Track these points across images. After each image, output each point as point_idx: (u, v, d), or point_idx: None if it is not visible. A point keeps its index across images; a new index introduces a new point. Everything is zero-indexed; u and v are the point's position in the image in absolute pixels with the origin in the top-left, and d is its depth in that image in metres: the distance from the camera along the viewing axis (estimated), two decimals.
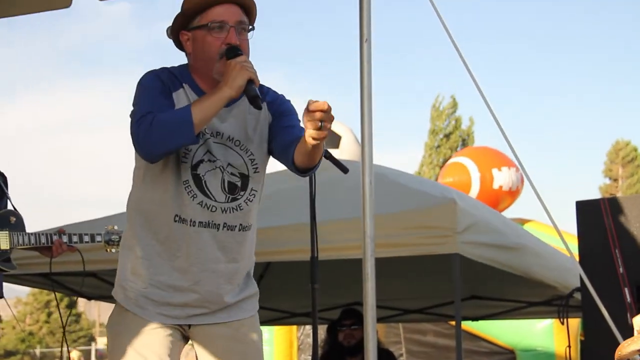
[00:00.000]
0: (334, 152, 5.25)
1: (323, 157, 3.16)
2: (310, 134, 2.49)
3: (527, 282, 5.77)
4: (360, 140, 3.28)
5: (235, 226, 2.78)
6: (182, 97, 2.72)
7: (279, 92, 2.92)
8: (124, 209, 2.92)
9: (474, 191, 11.38)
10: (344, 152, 9.02)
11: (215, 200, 2.74)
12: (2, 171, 4.05)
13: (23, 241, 3.91)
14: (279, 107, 2.86)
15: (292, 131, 2.77)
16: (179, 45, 2.81)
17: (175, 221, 2.73)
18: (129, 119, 2.65)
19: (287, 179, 6.20)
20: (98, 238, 4.16)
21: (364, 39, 3.35)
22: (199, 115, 2.56)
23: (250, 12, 2.77)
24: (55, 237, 3.99)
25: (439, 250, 4.76)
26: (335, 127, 9.50)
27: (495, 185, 11.45)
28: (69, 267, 4.95)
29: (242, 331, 2.88)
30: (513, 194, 11.70)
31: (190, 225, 2.73)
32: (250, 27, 2.77)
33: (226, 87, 2.57)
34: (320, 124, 2.45)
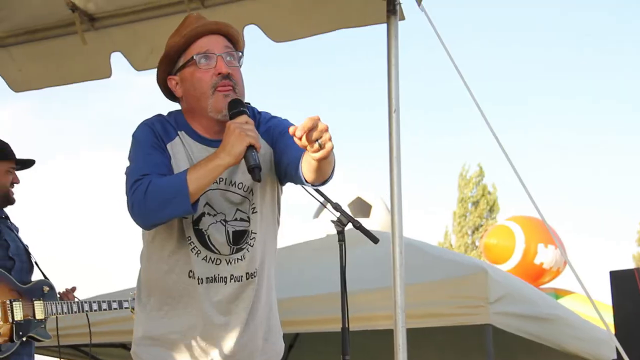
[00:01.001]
0: (365, 221, 5.25)
1: (352, 226, 3.15)
2: (312, 157, 2.22)
3: (561, 354, 5.68)
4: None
5: (242, 276, 2.59)
6: (178, 147, 2.55)
7: (274, 115, 2.69)
8: None
9: (514, 260, 11.08)
10: (375, 221, 9.03)
11: (220, 254, 2.56)
12: (25, 244, 4.11)
13: (56, 310, 3.97)
14: (276, 129, 2.61)
15: (296, 147, 2.46)
16: (169, 94, 2.64)
17: (190, 277, 2.56)
18: (124, 177, 2.51)
19: (316, 249, 6.20)
20: (125, 304, 4.21)
21: (393, 110, 3.38)
22: (194, 185, 2.38)
23: (236, 41, 2.60)
24: (85, 305, 4.07)
25: (471, 321, 4.71)
26: (366, 196, 9.55)
27: (537, 261, 11.15)
28: (98, 338, 4.96)
29: None
30: (553, 272, 11.46)
31: (199, 282, 2.55)
32: (240, 53, 2.59)
33: (224, 153, 2.38)
34: (317, 143, 2.17)
